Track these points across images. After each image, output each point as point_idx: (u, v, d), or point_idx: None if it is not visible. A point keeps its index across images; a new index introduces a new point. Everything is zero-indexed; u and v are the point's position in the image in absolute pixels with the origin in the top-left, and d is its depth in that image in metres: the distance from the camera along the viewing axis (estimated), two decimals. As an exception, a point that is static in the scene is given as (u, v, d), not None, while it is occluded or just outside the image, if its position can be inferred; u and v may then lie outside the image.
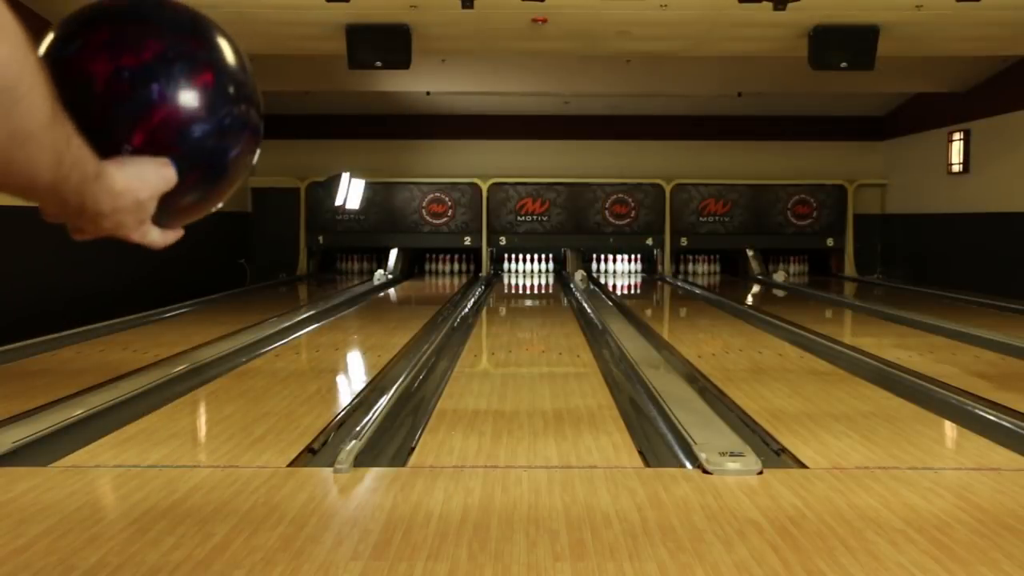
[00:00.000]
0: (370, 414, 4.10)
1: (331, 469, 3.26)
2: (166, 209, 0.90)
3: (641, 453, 3.61)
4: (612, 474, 3.28)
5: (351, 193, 13.04)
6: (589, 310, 8.41)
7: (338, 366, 6.10)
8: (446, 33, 8.35)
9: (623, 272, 14.04)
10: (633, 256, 14.12)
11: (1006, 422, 4.08)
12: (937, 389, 4.80)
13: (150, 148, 0.85)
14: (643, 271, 14.05)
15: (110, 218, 0.81)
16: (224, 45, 0.92)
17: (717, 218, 13.81)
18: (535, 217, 13.80)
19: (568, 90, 12.06)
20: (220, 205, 1.01)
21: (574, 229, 13.79)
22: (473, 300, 9.84)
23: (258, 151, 1.00)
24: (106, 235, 0.84)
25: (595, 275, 13.43)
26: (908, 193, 13.18)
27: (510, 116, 13.71)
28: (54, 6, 4.60)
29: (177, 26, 0.88)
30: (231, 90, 0.92)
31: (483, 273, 13.51)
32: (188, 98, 0.87)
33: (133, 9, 0.89)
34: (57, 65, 0.78)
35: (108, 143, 0.82)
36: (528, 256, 13.98)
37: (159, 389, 4.75)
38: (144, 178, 0.82)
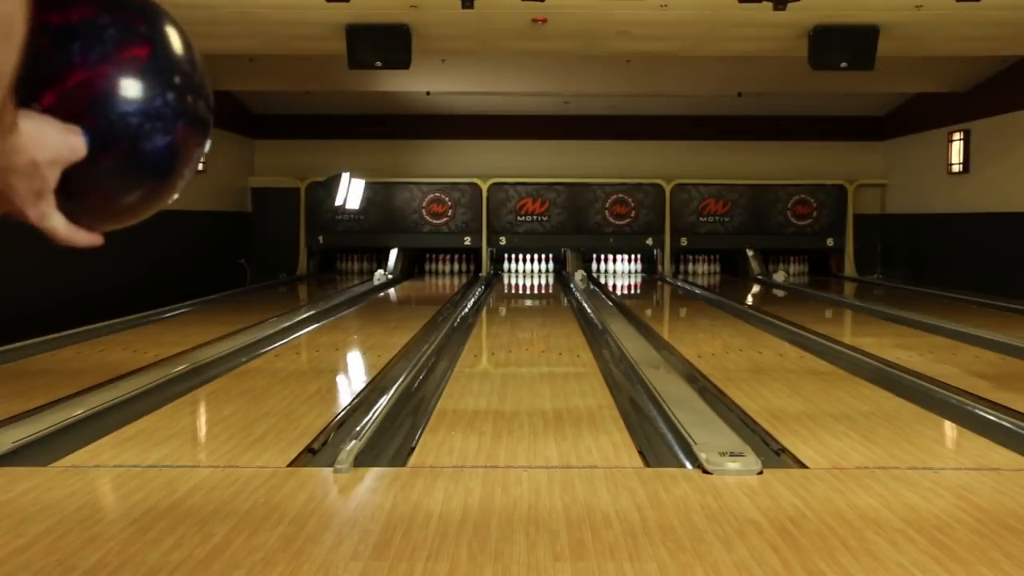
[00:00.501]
0: (370, 414, 4.10)
1: (331, 469, 3.26)
2: (78, 195, 0.81)
3: (641, 453, 3.61)
4: (612, 474, 3.28)
5: (351, 193, 13.04)
6: (589, 310, 8.41)
7: (338, 366, 6.10)
8: (446, 33, 8.35)
9: (623, 272, 14.04)
10: (633, 256, 14.12)
11: (1006, 422, 4.08)
12: (937, 389, 4.80)
13: (61, 112, 0.78)
14: (643, 271, 14.05)
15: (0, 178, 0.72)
16: (173, 33, 0.85)
17: (717, 218, 13.81)
18: (535, 217, 13.80)
19: (568, 90, 12.06)
20: (148, 214, 0.88)
21: (574, 229, 13.79)
22: (473, 300, 9.84)
23: (202, 150, 0.89)
24: None
25: (595, 275, 13.43)
26: (908, 193, 13.18)
27: (510, 116, 13.70)
28: None
29: (123, 1, 0.82)
30: (168, 74, 0.83)
31: (483, 273, 13.51)
32: (112, 69, 0.79)
33: None
34: None
35: (22, 97, 0.75)
36: (528, 256, 13.98)
37: (159, 389, 4.75)
38: (44, 138, 0.74)
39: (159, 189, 0.85)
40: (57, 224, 0.80)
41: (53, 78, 0.77)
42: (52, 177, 0.75)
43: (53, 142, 0.75)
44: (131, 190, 0.85)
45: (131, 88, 0.79)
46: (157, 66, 0.81)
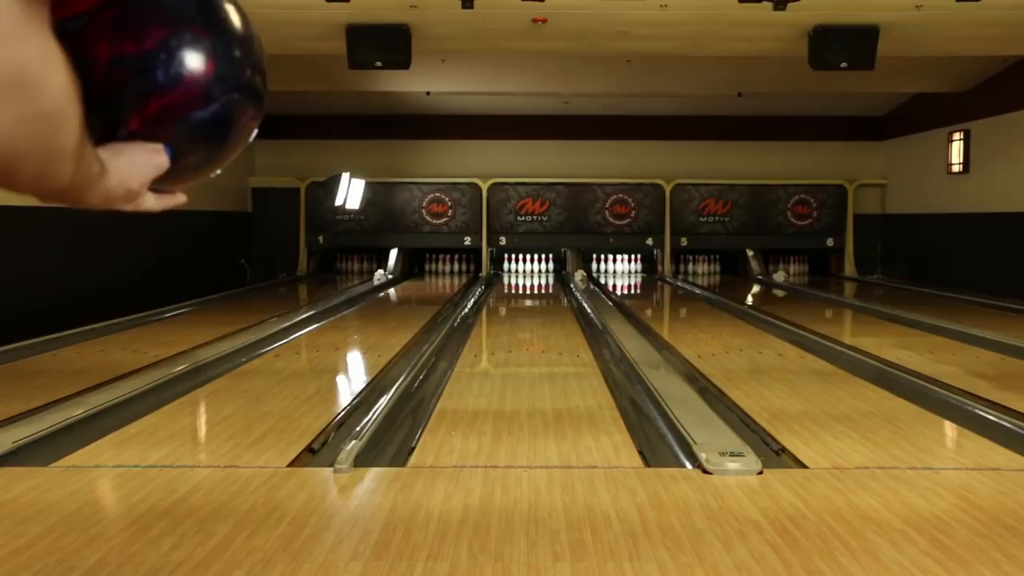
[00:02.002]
0: (370, 414, 4.10)
1: (331, 469, 3.26)
2: (161, 180, 0.90)
3: (641, 453, 3.61)
4: (612, 474, 3.28)
5: (351, 193, 13.03)
6: (589, 310, 8.41)
7: (338, 366, 6.10)
8: (446, 33, 8.35)
9: (623, 272, 14.04)
10: (633, 256, 14.12)
11: (1006, 422, 4.08)
12: (937, 389, 4.80)
13: (145, 134, 0.84)
14: (643, 271, 14.04)
15: (99, 203, 0.82)
16: (230, 20, 0.90)
17: (717, 218, 13.81)
18: (535, 217, 13.80)
19: (568, 90, 12.05)
20: (204, 177, 0.99)
21: (574, 229, 13.78)
22: (473, 300, 9.84)
23: (257, 121, 0.98)
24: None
25: (595, 275, 13.43)
26: (908, 193, 13.18)
27: (510, 116, 13.70)
28: None
29: (183, 9, 0.86)
30: (232, 75, 0.89)
31: (483, 273, 13.51)
32: (187, 88, 0.85)
33: None
34: (61, 38, 0.74)
35: (104, 127, 0.81)
36: (528, 256, 13.98)
37: (159, 389, 4.75)
38: (135, 167, 0.82)
39: (216, 156, 0.93)
40: (150, 204, 0.89)
41: (135, 106, 0.83)
42: (144, 191, 0.84)
43: (143, 168, 0.83)
44: (206, 168, 0.94)
45: (202, 101, 0.86)
46: (222, 73, 0.87)
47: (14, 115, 0.63)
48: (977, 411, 4.32)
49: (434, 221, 13.80)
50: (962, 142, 11.58)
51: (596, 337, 6.92)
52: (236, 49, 0.90)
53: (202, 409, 4.57)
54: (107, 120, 0.80)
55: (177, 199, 0.93)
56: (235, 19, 0.91)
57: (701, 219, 13.81)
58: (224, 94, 0.89)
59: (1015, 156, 10.50)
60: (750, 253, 13.59)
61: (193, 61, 0.85)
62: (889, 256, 13.62)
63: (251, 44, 0.93)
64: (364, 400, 4.66)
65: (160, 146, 0.86)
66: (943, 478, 3.25)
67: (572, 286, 11.14)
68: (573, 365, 5.77)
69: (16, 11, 0.59)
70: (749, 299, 10.80)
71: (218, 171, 0.98)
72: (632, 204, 13.81)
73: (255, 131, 0.97)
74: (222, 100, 0.89)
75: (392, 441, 3.87)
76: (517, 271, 13.92)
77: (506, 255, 13.95)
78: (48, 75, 0.65)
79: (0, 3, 0.59)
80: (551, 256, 13.97)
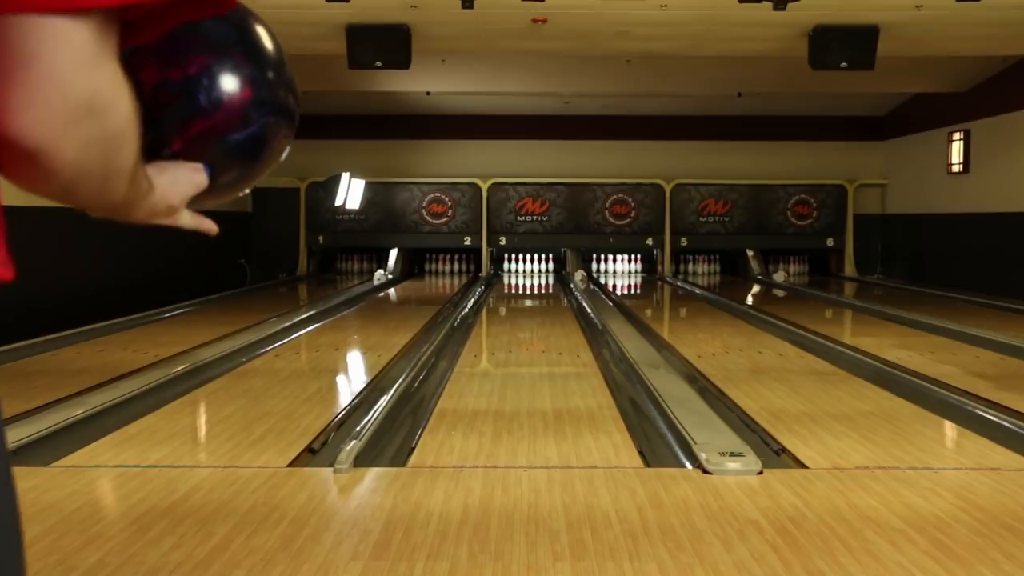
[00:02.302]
0: (370, 414, 4.10)
1: (331, 469, 3.26)
2: (199, 197, 0.96)
3: (641, 453, 3.61)
4: (612, 474, 3.28)
5: (351, 193, 13.03)
6: (589, 310, 8.41)
7: (338, 366, 6.10)
8: (446, 33, 8.35)
9: (623, 272, 14.04)
10: (633, 256, 14.12)
11: (1006, 422, 4.08)
12: (937, 389, 4.80)
13: (187, 154, 0.91)
14: (643, 271, 14.04)
15: (143, 218, 0.89)
16: (265, 47, 0.97)
17: (717, 218, 13.81)
18: (535, 217, 13.80)
19: (568, 90, 12.05)
20: (239, 194, 1.07)
21: (574, 229, 13.78)
22: (473, 300, 9.84)
23: (290, 139, 1.04)
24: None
25: (595, 275, 13.43)
26: (908, 193, 13.18)
27: (510, 116, 13.70)
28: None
29: (223, 38, 0.92)
30: (268, 99, 0.96)
31: (483, 273, 13.51)
32: (227, 112, 0.92)
33: None
34: None
35: (149, 146, 0.86)
36: (528, 256, 13.98)
37: (159, 389, 4.75)
38: (177, 185, 0.89)
39: (251, 174, 1.00)
40: (186, 220, 0.95)
41: (179, 127, 0.89)
42: (183, 206, 0.92)
43: (184, 186, 0.89)
44: (240, 187, 1.01)
45: (240, 124, 0.93)
46: (259, 98, 0.94)
47: (86, 136, 0.70)
48: (977, 411, 4.32)
49: (434, 221, 13.80)
50: (962, 142, 11.58)
51: (596, 337, 6.92)
52: (272, 74, 0.96)
53: (202, 409, 4.57)
54: (152, 140, 0.85)
55: (211, 228, 0.99)
56: (270, 45, 0.97)
57: (701, 219, 13.81)
58: (261, 117, 0.95)
59: (1015, 156, 10.50)
60: (750, 253, 13.58)
61: (233, 86, 0.91)
62: (889, 256, 13.62)
63: (284, 68, 0.99)
64: (364, 400, 4.67)
65: (200, 165, 0.92)
66: (943, 478, 3.25)
67: (572, 286, 11.14)
68: (573, 365, 5.77)
69: (93, 43, 0.67)
70: (749, 299, 10.80)
71: (243, 190, 1.05)
72: (632, 204, 13.81)
73: (287, 149, 1.03)
74: (259, 123, 0.95)
75: (392, 441, 3.87)
76: (517, 271, 13.92)
77: (506, 255, 13.95)
78: (116, 100, 0.72)
79: (79, 36, 0.66)
80: (551, 256, 13.97)
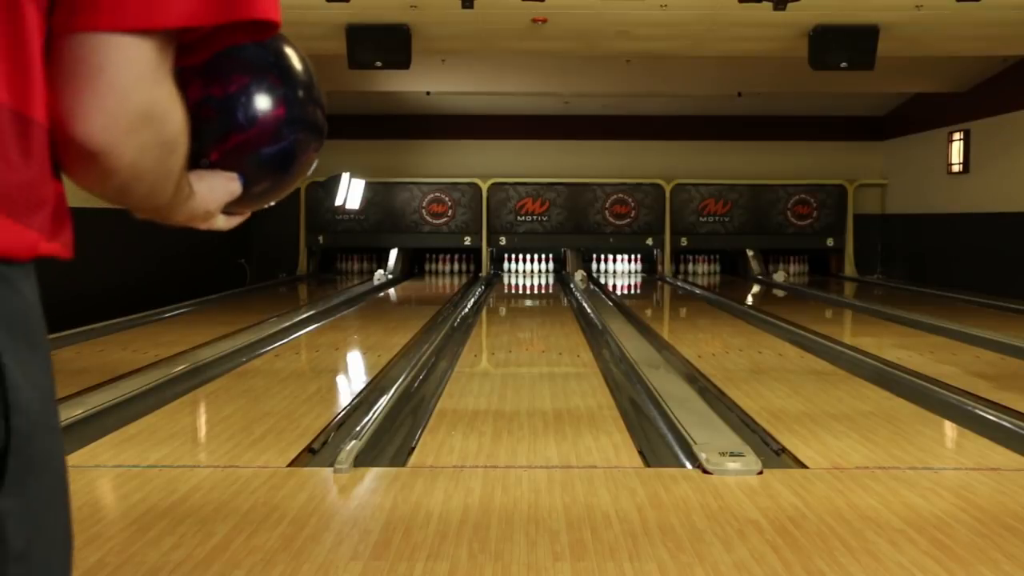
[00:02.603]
0: (370, 414, 4.10)
1: (331, 469, 3.26)
2: (233, 204, 1.06)
3: (641, 453, 3.61)
4: (612, 474, 3.28)
5: (351, 193, 13.03)
6: (589, 310, 8.41)
7: (338, 366, 6.10)
8: (446, 33, 8.35)
9: (623, 272, 14.04)
10: (633, 256, 14.12)
11: (1006, 422, 4.08)
12: (937, 389, 4.80)
13: (223, 165, 1.00)
14: (643, 271, 14.04)
15: (183, 221, 0.99)
16: (298, 69, 1.07)
17: (717, 218, 13.81)
18: (535, 217, 13.80)
19: (568, 90, 12.05)
20: (270, 203, 1.16)
21: (574, 229, 13.78)
22: (473, 300, 9.84)
23: (318, 152, 1.15)
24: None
25: (595, 275, 13.43)
26: (908, 193, 13.18)
27: (510, 116, 13.69)
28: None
29: (261, 61, 1.02)
30: (299, 117, 1.06)
31: (483, 273, 13.51)
32: (261, 128, 1.01)
33: None
34: None
35: (190, 157, 0.94)
36: (528, 256, 13.98)
37: (159, 389, 4.75)
38: (214, 192, 0.97)
39: (281, 185, 1.10)
40: (220, 224, 1.05)
41: (217, 140, 0.98)
42: (218, 212, 1.01)
43: (220, 193, 0.98)
44: (272, 196, 1.11)
45: (273, 139, 1.03)
46: (291, 116, 1.04)
47: (143, 141, 0.79)
48: (977, 411, 4.32)
49: (434, 221, 13.80)
50: (962, 142, 11.58)
51: (596, 337, 6.92)
52: (302, 93, 1.06)
53: (202, 409, 4.57)
54: (193, 151, 0.92)
55: (243, 217, 1.09)
56: (302, 68, 1.07)
57: (701, 219, 13.80)
58: (292, 134, 1.05)
59: (1015, 156, 10.50)
60: (750, 253, 13.58)
61: (268, 105, 1.01)
62: (889, 256, 13.62)
63: (314, 87, 1.09)
64: (364, 400, 4.66)
65: (235, 175, 1.01)
66: (943, 478, 3.25)
67: (572, 286, 11.14)
68: (573, 365, 5.77)
69: (154, 60, 0.76)
70: (749, 299, 10.80)
71: (273, 200, 1.14)
72: (632, 204, 13.81)
73: (315, 161, 1.14)
74: (290, 139, 1.05)
75: (392, 441, 3.87)
76: (517, 271, 13.92)
77: (506, 255, 13.94)
78: (171, 111, 0.81)
79: (142, 53, 0.75)
80: (551, 256, 13.97)
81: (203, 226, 1.04)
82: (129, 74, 0.75)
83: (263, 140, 1.02)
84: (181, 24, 0.76)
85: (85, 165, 0.78)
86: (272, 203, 1.16)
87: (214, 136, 0.98)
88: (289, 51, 1.06)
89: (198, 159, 0.97)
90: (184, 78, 0.90)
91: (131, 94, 0.76)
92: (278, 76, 1.03)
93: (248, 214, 1.12)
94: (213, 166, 0.99)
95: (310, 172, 1.17)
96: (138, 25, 0.74)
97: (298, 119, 1.05)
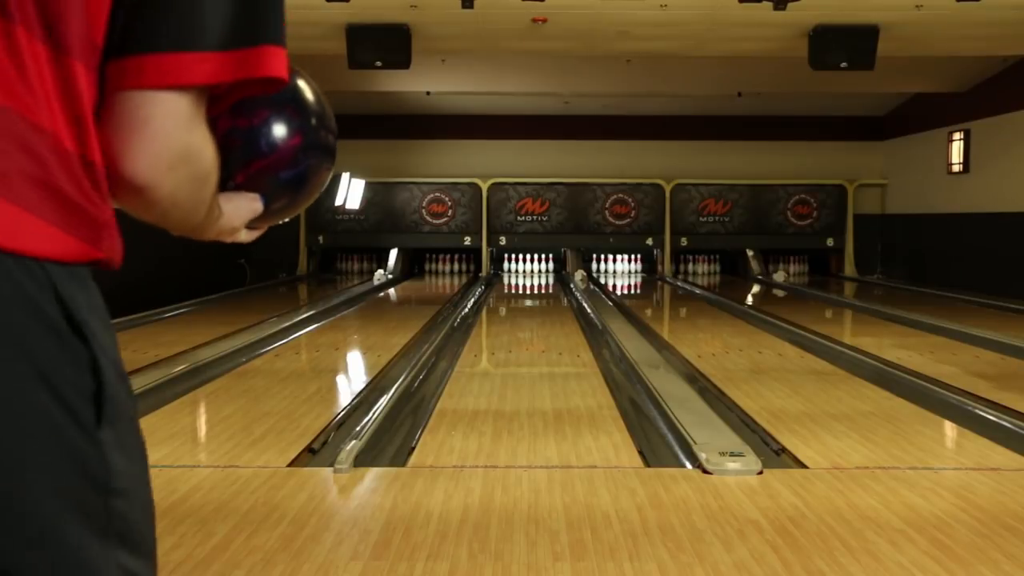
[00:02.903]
0: (370, 414, 4.10)
1: (331, 469, 3.26)
2: (254, 220, 1.20)
3: (641, 453, 3.61)
4: (612, 474, 3.28)
5: (351, 193, 13.03)
6: (589, 310, 8.41)
7: (338, 366, 6.10)
8: (446, 33, 8.35)
9: (623, 272, 14.04)
10: (633, 256, 14.12)
11: (1006, 422, 4.08)
12: (937, 389, 4.80)
13: (247, 187, 1.14)
14: (643, 271, 14.04)
15: (212, 236, 1.13)
16: (312, 104, 1.21)
17: (717, 218, 13.81)
18: (535, 217, 13.80)
19: (568, 90, 12.05)
20: (285, 219, 1.29)
21: (574, 229, 13.78)
22: (473, 300, 9.84)
23: (330, 172, 1.27)
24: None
25: (595, 275, 13.43)
26: (908, 193, 13.18)
27: (510, 116, 13.69)
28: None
29: (281, 96, 1.14)
30: (314, 144, 1.20)
31: (483, 273, 13.51)
32: (280, 154, 1.16)
33: None
34: None
35: (218, 181, 1.08)
36: (528, 256, 13.98)
37: (159, 389, 4.74)
38: (239, 210, 1.13)
39: (297, 203, 1.23)
40: (243, 238, 1.20)
41: (243, 166, 1.12)
42: (242, 227, 1.17)
43: (244, 211, 1.14)
44: (289, 213, 1.24)
45: (291, 164, 1.17)
46: (307, 144, 1.18)
47: (180, 177, 0.94)
48: (977, 411, 4.32)
49: (434, 221, 13.80)
50: (962, 142, 11.58)
51: (596, 337, 6.92)
52: (315, 122, 1.20)
53: (202, 409, 4.57)
54: (221, 175, 1.05)
55: (262, 230, 1.24)
56: (315, 99, 1.21)
57: (701, 219, 13.80)
58: (307, 159, 1.19)
59: (1015, 156, 10.50)
60: (750, 253, 13.58)
61: (286, 134, 1.16)
62: (889, 256, 13.62)
63: (326, 116, 1.22)
64: (364, 400, 4.66)
65: (257, 196, 1.15)
66: (943, 478, 3.25)
67: (572, 286, 11.14)
68: (573, 365, 5.77)
69: (190, 110, 0.92)
70: (749, 299, 10.80)
71: (288, 216, 1.28)
72: (632, 204, 13.81)
73: (328, 179, 1.27)
74: (305, 163, 1.19)
75: (392, 441, 3.87)
76: (517, 271, 13.92)
77: (506, 255, 13.94)
78: (204, 151, 0.96)
79: (181, 105, 0.91)
80: (551, 256, 13.97)
81: (228, 239, 1.18)
82: (169, 122, 0.92)
83: (282, 165, 1.16)
84: (208, 81, 0.92)
85: (133, 196, 0.96)
86: (290, 217, 1.29)
87: (240, 162, 1.12)
88: (304, 85, 1.21)
89: (225, 182, 1.10)
90: (213, 108, 1.04)
91: (171, 139, 0.92)
92: (295, 109, 1.18)
93: (266, 228, 1.25)
94: (238, 188, 1.13)
95: (324, 187, 1.29)
96: (175, 82, 0.90)
97: (312, 145, 1.19)
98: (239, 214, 1.13)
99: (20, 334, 0.80)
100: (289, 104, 1.17)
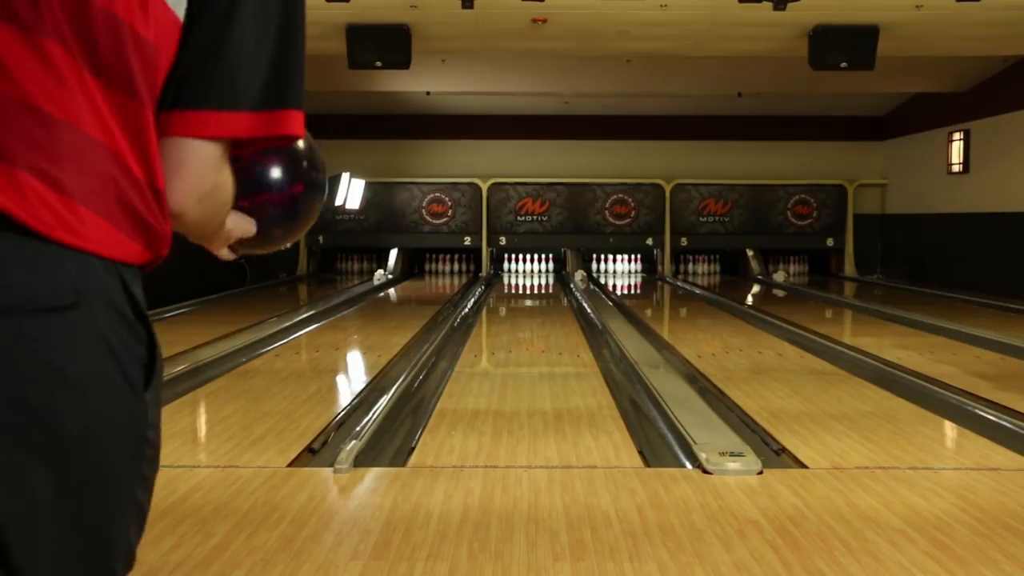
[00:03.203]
0: (370, 414, 4.10)
1: (331, 469, 3.26)
2: (251, 245, 1.38)
3: (641, 453, 3.61)
4: (612, 474, 3.28)
5: (351, 193, 13.03)
6: (589, 310, 8.41)
7: (338, 366, 6.10)
8: (446, 33, 8.35)
9: (623, 272, 14.04)
10: (633, 256, 14.11)
11: (1006, 422, 4.08)
12: (937, 389, 4.80)
13: (248, 211, 1.31)
14: (643, 271, 14.04)
15: (217, 246, 1.34)
16: (310, 151, 1.39)
17: (717, 218, 13.81)
18: (535, 217, 13.80)
19: (568, 90, 12.05)
20: (281, 247, 1.47)
21: (574, 229, 13.78)
22: (473, 300, 9.84)
23: (321, 204, 1.44)
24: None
25: (595, 275, 13.43)
26: (908, 193, 13.18)
27: (510, 116, 13.69)
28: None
29: (294, 147, 1.35)
30: (311, 185, 1.39)
31: (483, 273, 13.51)
32: (283, 196, 1.35)
33: None
34: None
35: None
36: (528, 256, 13.97)
37: (159, 389, 4.73)
38: (236, 226, 1.30)
39: (291, 233, 1.41)
40: (225, 255, 1.39)
41: (250, 194, 1.30)
42: (230, 241, 1.35)
43: (238, 229, 1.31)
44: (275, 230, 1.40)
45: (289, 205, 1.36)
46: (307, 191, 1.38)
47: (211, 205, 1.18)
48: (977, 411, 4.32)
49: (434, 221, 13.80)
50: (962, 142, 11.58)
51: (596, 337, 6.92)
52: (307, 163, 1.38)
53: (202, 409, 4.57)
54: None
55: (238, 255, 1.43)
56: (308, 146, 1.39)
57: (701, 219, 13.80)
58: (304, 198, 1.38)
59: (1015, 156, 10.50)
60: (750, 253, 13.58)
61: (292, 179, 1.35)
62: (889, 256, 13.62)
63: (316, 156, 1.41)
64: (364, 400, 4.66)
65: (254, 221, 1.32)
66: (943, 478, 3.25)
67: (572, 286, 11.14)
68: (573, 365, 5.78)
69: (219, 156, 1.14)
70: (749, 299, 10.80)
71: (284, 245, 1.46)
72: (632, 204, 13.81)
73: (317, 211, 1.44)
74: (302, 202, 1.38)
75: (392, 441, 3.87)
76: (517, 271, 13.92)
77: (506, 255, 13.94)
78: (226, 185, 1.19)
79: (213, 151, 1.13)
80: (551, 256, 13.97)
81: (215, 251, 1.38)
82: (204, 165, 1.14)
83: (282, 201, 1.35)
84: (239, 136, 1.14)
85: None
86: (286, 246, 1.48)
87: (248, 191, 1.29)
88: (310, 149, 1.41)
89: (235, 202, 1.29)
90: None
91: (203, 178, 1.15)
92: (302, 159, 1.38)
93: (241, 253, 1.42)
94: (241, 210, 1.30)
95: (317, 213, 1.46)
96: (212, 135, 1.12)
97: (310, 187, 1.39)
98: (238, 230, 1.32)
99: (98, 316, 1.03)
100: (299, 155, 1.37)
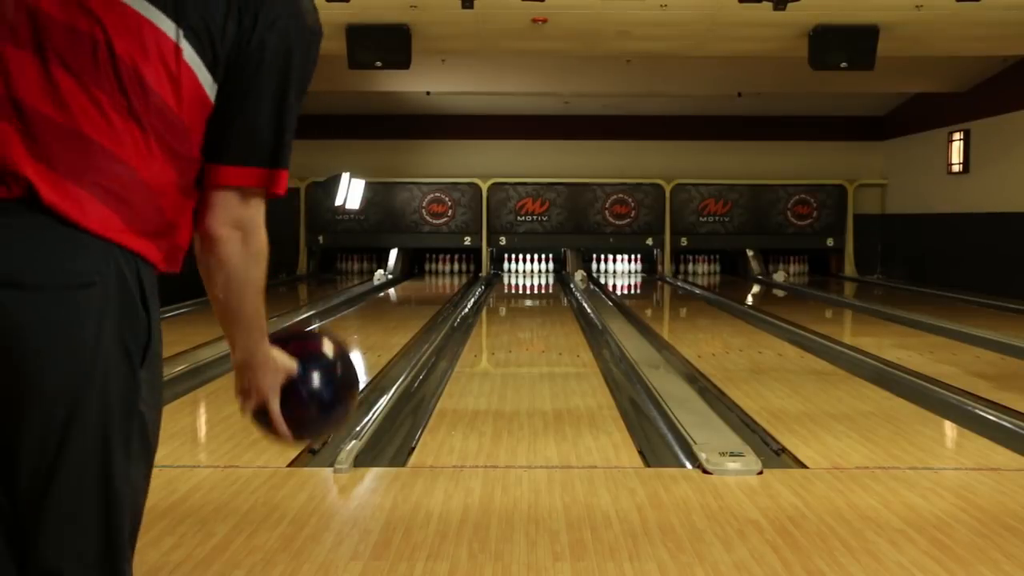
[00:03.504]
0: (370, 414, 4.10)
1: (331, 469, 3.26)
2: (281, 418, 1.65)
3: (641, 453, 3.61)
4: (612, 474, 3.28)
5: (351, 193, 13.03)
6: (589, 310, 8.41)
7: (338, 366, 6.08)
8: (446, 33, 8.35)
9: (623, 272, 14.04)
10: (633, 256, 14.12)
11: (1006, 422, 4.08)
12: (937, 389, 4.80)
13: (288, 419, 1.64)
14: (643, 271, 14.04)
15: (259, 377, 1.70)
16: (355, 380, 1.75)
17: (717, 218, 13.81)
18: (535, 217, 13.80)
19: (568, 90, 12.04)
20: (331, 431, 1.84)
21: (574, 229, 13.78)
22: (473, 300, 9.84)
23: (356, 399, 1.73)
24: (253, 408, 1.69)
25: (595, 275, 13.43)
26: (908, 193, 13.18)
27: (510, 116, 13.69)
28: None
29: (349, 376, 1.72)
30: (345, 405, 1.68)
31: (483, 273, 13.51)
32: (335, 401, 1.68)
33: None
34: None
35: (287, 340, 1.77)
36: (528, 256, 13.97)
37: (159, 389, 4.73)
38: (278, 358, 1.71)
39: (332, 423, 1.71)
40: (283, 432, 1.68)
41: (291, 341, 1.72)
42: (271, 382, 1.69)
43: (280, 362, 1.69)
44: (315, 435, 1.79)
45: (327, 419, 1.72)
46: (342, 408, 1.69)
47: (236, 239, 1.51)
48: (977, 411, 4.32)
49: (434, 221, 13.80)
50: (962, 142, 11.58)
51: (596, 337, 6.92)
52: (352, 391, 1.74)
53: (202, 409, 4.57)
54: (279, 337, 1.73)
55: (273, 431, 1.74)
56: (355, 373, 1.76)
57: (701, 219, 13.80)
58: (339, 400, 1.69)
59: (1015, 156, 10.50)
60: (750, 253, 13.58)
61: (338, 399, 1.70)
62: (889, 256, 13.61)
63: (352, 369, 1.76)
64: (364, 400, 4.65)
65: (295, 371, 1.70)
66: (943, 478, 3.25)
67: (572, 286, 11.14)
68: (573, 365, 5.77)
69: (241, 194, 1.48)
70: (749, 299, 10.80)
71: (334, 428, 1.79)
72: (632, 204, 13.81)
73: (355, 401, 1.75)
74: (340, 404, 1.69)
75: (392, 441, 3.87)
76: (517, 271, 13.92)
77: (506, 255, 13.94)
78: (254, 224, 1.54)
79: (235, 192, 1.48)
80: (551, 256, 13.97)
81: (249, 411, 1.74)
82: (229, 202, 1.47)
83: (324, 414, 1.69)
84: (250, 185, 1.49)
85: (206, 241, 1.49)
86: (312, 438, 1.89)
87: (306, 374, 1.68)
88: (350, 358, 1.74)
89: (287, 342, 1.72)
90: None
91: (228, 212, 1.47)
92: (350, 386, 1.72)
93: (283, 438, 1.70)
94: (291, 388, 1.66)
95: (355, 404, 1.73)
96: (233, 184, 1.46)
97: (344, 408, 1.69)
98: (276, 363, 1.69)
99: (113, 296, 1.26)
100: (349, 384, 1.71)
